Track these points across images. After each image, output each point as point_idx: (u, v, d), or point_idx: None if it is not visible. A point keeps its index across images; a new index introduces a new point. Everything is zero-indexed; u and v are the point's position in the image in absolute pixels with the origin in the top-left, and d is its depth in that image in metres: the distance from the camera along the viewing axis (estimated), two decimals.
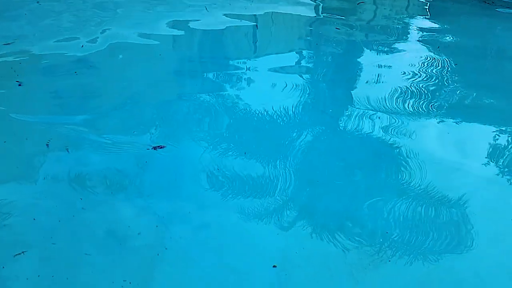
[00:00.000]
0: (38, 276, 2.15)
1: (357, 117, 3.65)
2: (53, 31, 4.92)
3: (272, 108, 3.64)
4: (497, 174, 3.10)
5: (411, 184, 2.88)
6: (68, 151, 2.96)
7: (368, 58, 4.97)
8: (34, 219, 2.45)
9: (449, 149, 3.32)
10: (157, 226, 2.47)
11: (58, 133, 3.16)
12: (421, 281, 2.25)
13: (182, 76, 4.43)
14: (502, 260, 2.42)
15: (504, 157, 3.26)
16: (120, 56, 4.56)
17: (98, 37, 4.82)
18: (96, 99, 3.71)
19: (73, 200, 2.58)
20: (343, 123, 3.59)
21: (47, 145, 3.00)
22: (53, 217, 2.47)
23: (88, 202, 2.58)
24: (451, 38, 5.57)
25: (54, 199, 2.59)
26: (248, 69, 4.45)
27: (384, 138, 3.37)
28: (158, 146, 2.97)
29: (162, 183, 2.81)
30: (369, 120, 3.58)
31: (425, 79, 4.37)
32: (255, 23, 5.75)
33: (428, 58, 4.92)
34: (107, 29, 5.05)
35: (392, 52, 5.15)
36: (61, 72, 4.05)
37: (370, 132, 3.43)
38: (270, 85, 4.12)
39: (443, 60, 4.90)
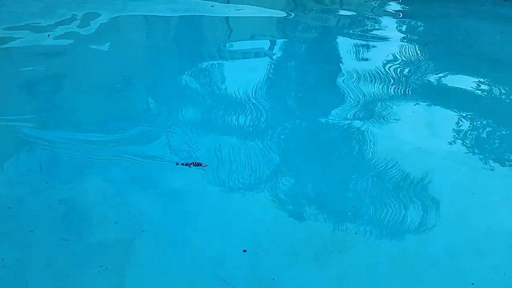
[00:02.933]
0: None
1: (327, 100, 3.83)
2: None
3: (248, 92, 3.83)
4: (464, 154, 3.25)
5: (379, 167, 3.01)
6: None
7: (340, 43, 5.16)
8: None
9: (418, 130, 3.51)
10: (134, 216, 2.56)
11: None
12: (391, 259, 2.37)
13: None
14: (467, 234, 2.56)
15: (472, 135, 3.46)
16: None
17: (70, 23, 4.85)
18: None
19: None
20: (314, 106, 3.76)
21: None
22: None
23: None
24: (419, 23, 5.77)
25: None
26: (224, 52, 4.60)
27: (351, 121, 3.53)
28: (196, 163, 2.90)
29: (136, 174, 2.90)
30: (339, 104, 3.77)
31: (396, 62, 4.59)
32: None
33: (398, 40, 5.18)
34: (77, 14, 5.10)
35: (365, 35, 5.34)
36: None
37: (340, 116, 3.59)
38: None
39: (413, 41, 5.14)
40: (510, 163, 3.15)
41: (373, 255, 2.38)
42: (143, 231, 2.46)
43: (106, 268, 2.25)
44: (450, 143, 3.35)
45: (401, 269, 2.30)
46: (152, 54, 4.92)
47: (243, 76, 4.29)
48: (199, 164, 2.83)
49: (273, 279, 2.24)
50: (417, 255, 2.39)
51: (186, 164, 2.85)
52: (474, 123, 3.63)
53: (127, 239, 2.41)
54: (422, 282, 2.25)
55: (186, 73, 4.32)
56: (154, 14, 5.81)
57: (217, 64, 4.52)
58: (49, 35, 4.63)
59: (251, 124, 3.45)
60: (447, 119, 3.69)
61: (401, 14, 6.38)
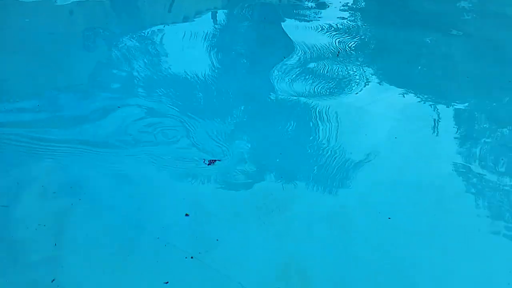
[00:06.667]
0: None
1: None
2: None
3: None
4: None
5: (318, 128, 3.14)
6: None
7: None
8: None
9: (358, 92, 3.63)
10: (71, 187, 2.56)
11: None
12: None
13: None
14: (397, 188, 2.70)
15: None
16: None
17: None
18: None
19: None
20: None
21: None
22: None
23: None
24: None
25: None
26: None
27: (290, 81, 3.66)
28: (213, 161, 2.81)
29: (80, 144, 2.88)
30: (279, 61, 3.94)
31: (343, 33, 4.67)
32: None
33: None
34: None
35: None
36: None
37: (280, 76, 3.74)
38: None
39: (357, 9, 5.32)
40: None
41: (310, 213, 2.49)
42: (80, 199, 2.46)
43: (44, 225, 2.24)
44: (390, 102, 3.50)
45: (336, 226, 2.43)
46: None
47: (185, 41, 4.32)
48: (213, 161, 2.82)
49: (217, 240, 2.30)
50: (350, 210, 2.53)
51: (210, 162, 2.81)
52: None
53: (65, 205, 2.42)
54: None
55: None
56: None
57: (157, 30, 4.51)
58: None
59: (193, 93, 3.49)
60: (386, 78, 3.87)
61: None
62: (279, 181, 2.68)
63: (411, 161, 2.89)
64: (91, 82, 3.56)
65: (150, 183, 2.62)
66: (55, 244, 2.20)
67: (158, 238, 2.28)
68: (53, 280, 2.05)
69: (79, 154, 2.78)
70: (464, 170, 2.84)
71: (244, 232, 2.36)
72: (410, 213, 2.53)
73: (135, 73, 3.67)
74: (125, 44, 4.14)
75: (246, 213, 2.47)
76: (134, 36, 4.32)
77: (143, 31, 4.44)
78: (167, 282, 2.07)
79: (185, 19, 4.89)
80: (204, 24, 4.74)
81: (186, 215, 2.43)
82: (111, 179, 2.62)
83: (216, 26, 4.73)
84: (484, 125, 3.29)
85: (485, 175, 2.81)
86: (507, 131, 3.23)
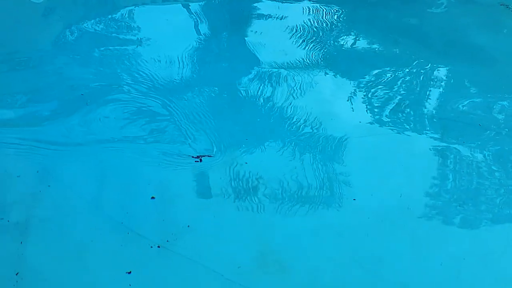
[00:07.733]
0: None
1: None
2: None
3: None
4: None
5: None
6: None
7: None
8: None
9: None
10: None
11: None
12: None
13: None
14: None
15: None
16: None
17: None
18: None
19: None
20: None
21: None
22: None
23: None
24: None
25: None
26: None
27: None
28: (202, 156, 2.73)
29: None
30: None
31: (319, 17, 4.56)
32: None
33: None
34: None
35: None
36: None
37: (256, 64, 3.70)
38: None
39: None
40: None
41: (281, 196, 2.50)
42: (49, 186, 2.43)
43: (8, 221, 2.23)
44: (361, 85, 3.50)
45: (303, 202, 2.47)
46: None
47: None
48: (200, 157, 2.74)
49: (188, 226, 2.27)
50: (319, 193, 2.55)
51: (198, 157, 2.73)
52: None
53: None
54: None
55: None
56: None
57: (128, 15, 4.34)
58: None
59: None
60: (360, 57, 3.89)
61: None
62: (250, 161, 2.67)
63: (379, 145, 2.91)
64: (57, 75, 3.38)
65: (116, 167, 2.59)
66: (21, 242, 2.16)
67: (122, 223, 2.25)
68: (17, 273, 2.03)
69: (44, 150, 2.70)
70: (434, 151, 2.87)
71: (217, 217, 2.35)
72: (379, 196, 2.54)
73: (104, 64, 3.54)
74: (95, 30, 4.00)
75: (218, 196, 2.46)
76: (104, 22, 4.16)
77: (114, 15, 4.28)
78: (129, 272, 2.05)
79: (159, 4, 4.73)
80: (180, 12, 4.56)
81: (152, 198, 2.40)
82: (78, 167, 2.58)
83: (192, 15, 4.55)
84: (458, 106, 3.31)
85: (460, 152, 2.86)
86: (481, 111, 3.25)
